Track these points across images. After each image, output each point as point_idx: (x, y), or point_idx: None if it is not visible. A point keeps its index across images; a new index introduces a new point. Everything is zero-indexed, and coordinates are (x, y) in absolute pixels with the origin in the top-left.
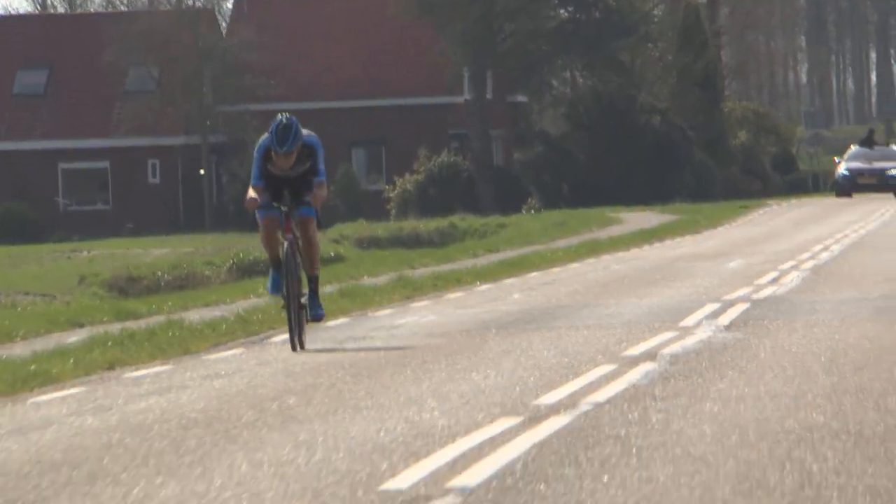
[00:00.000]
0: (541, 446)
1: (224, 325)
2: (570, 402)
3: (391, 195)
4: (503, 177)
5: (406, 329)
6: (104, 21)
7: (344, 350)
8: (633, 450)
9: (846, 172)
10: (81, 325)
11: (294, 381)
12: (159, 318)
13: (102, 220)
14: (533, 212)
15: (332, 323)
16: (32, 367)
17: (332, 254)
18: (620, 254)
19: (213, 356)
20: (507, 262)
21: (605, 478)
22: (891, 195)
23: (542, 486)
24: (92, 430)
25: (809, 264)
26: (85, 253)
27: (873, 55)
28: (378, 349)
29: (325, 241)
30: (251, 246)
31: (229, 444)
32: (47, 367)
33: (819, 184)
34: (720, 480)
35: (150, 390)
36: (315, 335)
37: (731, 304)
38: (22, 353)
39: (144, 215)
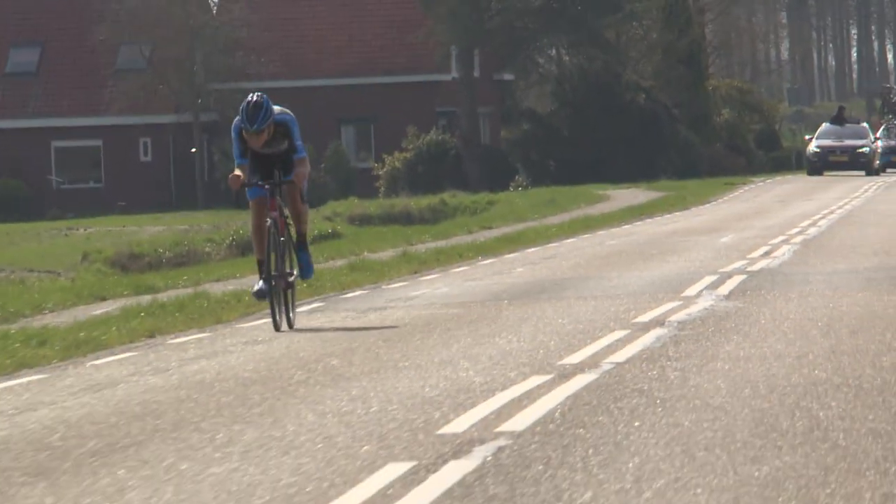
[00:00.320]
0: (574, 398)
1: (247, 297)
2: (592, 363)
3: (380, 173)
4: (491, 154)
5: (422, 300)
6: None
7: (368, 318)
8: (657, 401)
9: (817, 150)
10: (104, 299)
11: (331, 345)
12: (178, 292)
13: (95, 197)
14: (520, 189)
15: (350, 294)
16: (81, 334)
17: (330, 230)
18: (614, 229)
19: (245, 325)
20: (505, 237)
21: (637, 423)
22: (863, 173)
23: (581, 431)
24: (159, 388)
25: (799, 239)
26: (82, 230)
27: (854, 31)
28: (401, 318)
29: (319, 219)
30: (247, 223)
31: (290, 399)
32: (95, 335)
33: (802, 161)
34: (738, 425)
35: (198, 354)
36: (337, 305)
37: (729, 275)
38: (57, 323)
39: (136, 193)
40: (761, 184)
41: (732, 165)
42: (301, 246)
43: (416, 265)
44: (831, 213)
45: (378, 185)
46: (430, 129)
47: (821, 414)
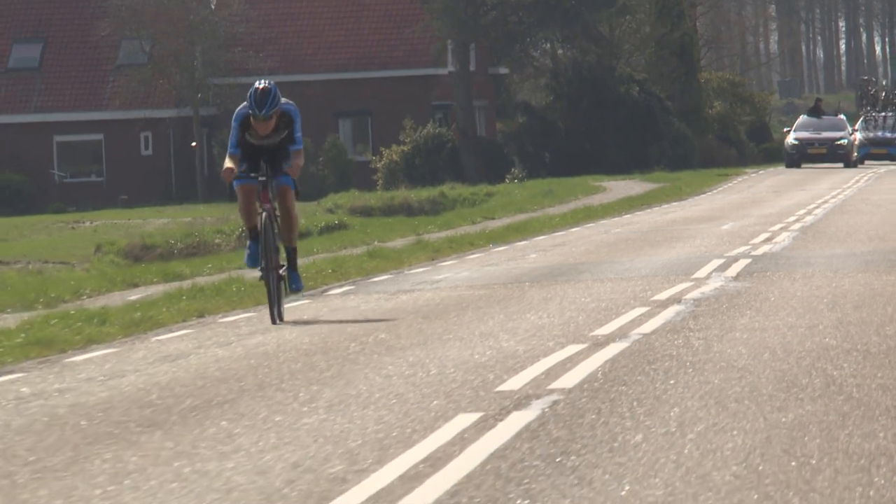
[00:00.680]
0: (612, 362)
1: None
2: (621, 334)
3: (378, 165)
4: (487, 147)
5: (447, 283)
6: None
7: (400, 299)
8: (687, 364)
9: (795, 142)
10: (136, 285)
11: (372, 323)
12: (208, 278)
13: (96, 191)
14: (517, 181)
15: (376, 279)
16: (137, 314)
17: (336, 221)
18: (616, 219)
19: (286, 306)
20: (512, 226)
21: (672, 381)
22: (841, 165)
23: (623, 388)
24: (228, 358)
25: (797, 226)
26: (88, 223)
27: (842, 24)
28: (431, 298)
29: (321, 211)
30: None
31: (353, 365)
32: (150, 314)
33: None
34: (762, 382)
35: (252, 331)
36: (367, 288)
37: (734, 259)
38: (98, 306)
39: (137, 186)
40: (754, 175)
41: (724, 157)
42: (291, 264)
43: (432, 252)
44: (825, 202)
45: (376, 178)
46: (426, 122)
47: (835, 373)
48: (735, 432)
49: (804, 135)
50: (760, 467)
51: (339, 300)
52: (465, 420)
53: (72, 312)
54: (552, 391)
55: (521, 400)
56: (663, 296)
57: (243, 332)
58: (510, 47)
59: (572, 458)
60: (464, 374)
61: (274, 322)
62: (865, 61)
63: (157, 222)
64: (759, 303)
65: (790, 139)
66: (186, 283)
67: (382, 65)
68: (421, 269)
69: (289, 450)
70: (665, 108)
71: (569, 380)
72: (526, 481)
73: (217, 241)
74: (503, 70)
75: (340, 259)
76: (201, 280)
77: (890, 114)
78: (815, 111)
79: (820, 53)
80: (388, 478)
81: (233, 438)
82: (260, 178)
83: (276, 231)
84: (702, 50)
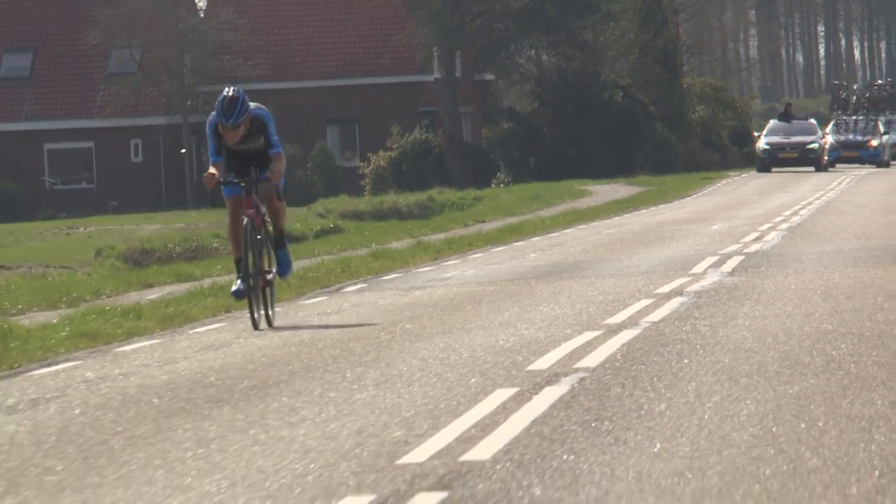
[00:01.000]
0: (628, 346)
1: (294, 280)
2: (632, 322)
3: (366, 171)
4: (473, 152)
5: (456, 280)
6: (87, 4)
7: (414, 295)
8: (697, 346)
9: (767, 147)
10: (150, 286)
11: (396, 314)
12: (220, 278)
13: (87, 198)
14: (503, 185)
15: (386, 277)
16: (170, 309)
17: (331, 225)
18: (606, 221)
19: (306, 301)
20: (506, 228)
21: (685, 361)
22: (812, 169)
23: (642, 366)
24: (269, 346)
25: (785, 226)
26: (82, 229)
27: (821, 28)
28: (444, 294)
29: (311, 216)
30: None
31: (388, 350)
32: (182, 309)
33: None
34: (769, 360)
35: (283, 324)
36: (380, 285)
37: (728, 256)
38: (128, 303)
39: (127, 193)
40: (737, 178)
41: (707, 161)
42: (279, 243)
43: (433, 253)
44: (810, 203)
45: (363, 184)
46: (413, 128)
47: (833, 353)
48: (748, 402)
49: (775, 139)
50: (774, 429)
51: (356, 296)
52: (503, 394)
53: (107, 308)
54: (578, 370)
55: (550, 377)
56: (665, 289)
57: (274, 325)
58: (496, 54)
59: (606, 423)
60: (493, 357)
61: (257, 328)
62: (844, 65)
63: (151, 228)
64: (756, 294)
65: (761, 144)
66: (207, 282)
67: (369, 72)
68: (427, 269)
69: (350, 420)
70: (649, 114)
71: (591, 360)
72: (568, 441)
73: (215, 244)
74: (489, 76)
75: (347, 259)
76: (217, 280)
77: (861, 117)
78: (786, 116)
79: (800, 58)
80: (445, 440)
81: (296, 411)
82: (241, 184)
83: (259, 237)
84: (684, 56)
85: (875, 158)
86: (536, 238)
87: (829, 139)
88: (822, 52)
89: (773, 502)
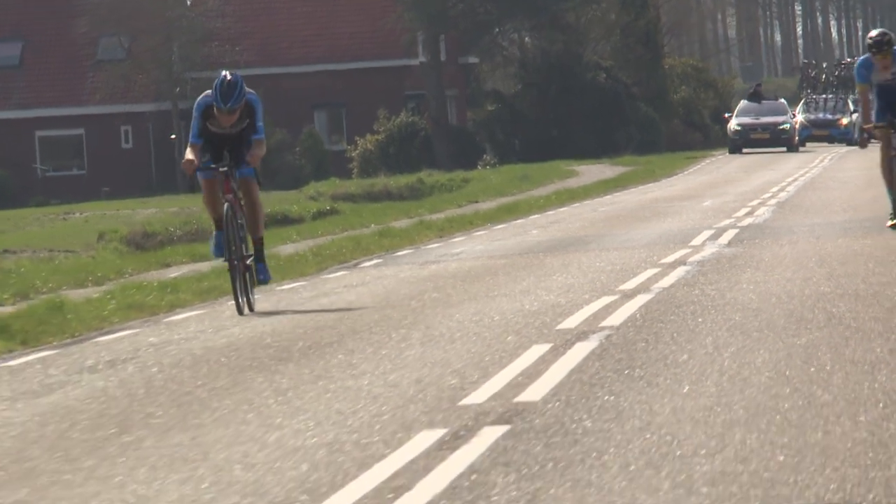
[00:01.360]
0: (644, 308)
1: (310, 256)
2: (644, 288)
3: (353, 154)
4: (458, 134)
5: (467, 254)
6: None
7: (430, 269)
8: (709, 307)
9: (738, 128)
10: (168, 265)
11: (419, 285)
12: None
13: (78, 184)
14: (489, 167)
15: (399, 253)
16: (204, 283)
17: (328, 207)
18: (598, 199)
19: (328, 276)
20: (502, 207)
21: (700, 319)
22: (784, 149)
23: (661, 325)
24: (310, 314)
25: (773, 201)
26: (78, 214)
27: (798, 7)
28: (459, 267)
29: (304, 198)
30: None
31: (424, 316)
32: (216, 284)
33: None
34: (775, 318)
35: (314, 295)
36: (395, 260)
37: (723, 230)
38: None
39: (118, 179)
40: (721, 157)
41: (690, 140)
42: (258, 255)
43: (437, 231)
44: (795, 180)
45: (351, 167)
46: (399, 111)
47: (833, 310)
48: (762, 351)
49: (746, 120)
50: (787, 372)
51: (375, 270)
52: (540, 349)
53: (144, 284)
54: (603, 328)
55: (580, 334)
56: (669, 259)
57: (306, 296)
58: (479, 37)
59: (637, 370)
60: (524, 319)
61: (240, 312)
62: (822, 43)
63: (146, 212)
64: (755, 262)
65: (732, 124)
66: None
67: (356, 57)
68: (436, 245)
69: (406, 372)
70: (631, 94)
71: (614, 320)
72: (606, 385)
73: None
74: (473, 60)
75: (356, 238)
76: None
77: (830, 96)
78: (756, 96)
79: (777, 37)
80: (496, 386)
81: (355, 366)
82: (221, 169)
83: (239, 221)
84: (665, 37)
85: (845, 137)
86: (534, 216)
87: (799, 118)
88: (799, 30)
89: (794, 428)
